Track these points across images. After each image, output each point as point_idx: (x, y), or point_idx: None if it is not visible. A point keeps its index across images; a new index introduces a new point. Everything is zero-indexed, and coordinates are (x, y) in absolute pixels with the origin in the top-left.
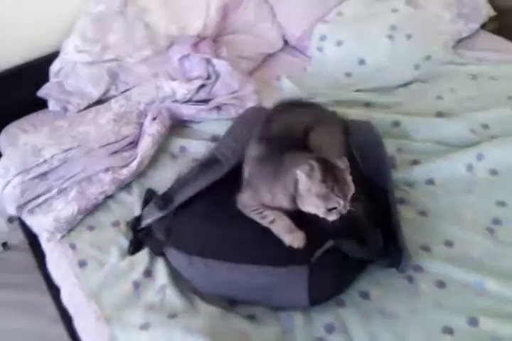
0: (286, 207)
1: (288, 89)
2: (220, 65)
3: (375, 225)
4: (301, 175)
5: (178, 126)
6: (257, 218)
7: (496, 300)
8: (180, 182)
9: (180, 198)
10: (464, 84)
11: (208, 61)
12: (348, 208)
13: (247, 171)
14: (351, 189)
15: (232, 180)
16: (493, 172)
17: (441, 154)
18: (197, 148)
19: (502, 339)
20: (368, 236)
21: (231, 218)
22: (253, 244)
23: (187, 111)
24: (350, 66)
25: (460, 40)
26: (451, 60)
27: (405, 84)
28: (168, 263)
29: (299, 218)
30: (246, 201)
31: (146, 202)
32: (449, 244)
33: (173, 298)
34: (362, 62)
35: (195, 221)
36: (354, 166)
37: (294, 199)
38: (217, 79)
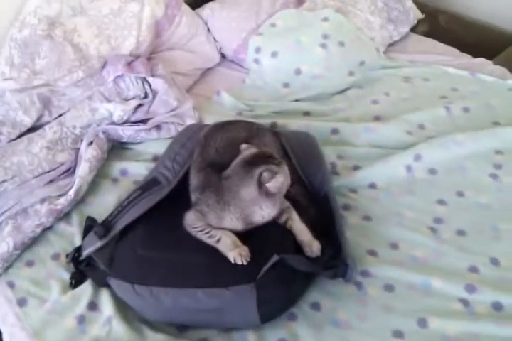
0: (235, 229)
1: (228, 103)
2: (156, 83)
3: (319, 235)
4: (275, 182)
5: (117, 148)
6: (203, 238)
7: (443, 299)
8: (120, 208)
9: (121, 225)
10: (397, 87)
11: (144, 80)
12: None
13: (193, 196)
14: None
15: (174, 202)
16: (432, 172)
17: (380, 158)
18: (139, 169)
19: (451, 338)
20: None
21: (173, 242)
22: (197, 266)
23: (125, 132)
24: (287, 76)
25: (391, 44)
26: (383, 65)
27: (342, 91)
28: (113, 294)
29: (244, 235)
30: (192, 221)
31: (86, 232)
32: (394, 246)
33: (119, 329)
34: (298, 71)
35: (135, 248)
36: (295, 176)
37: (245, 219)
38: (155, 98)
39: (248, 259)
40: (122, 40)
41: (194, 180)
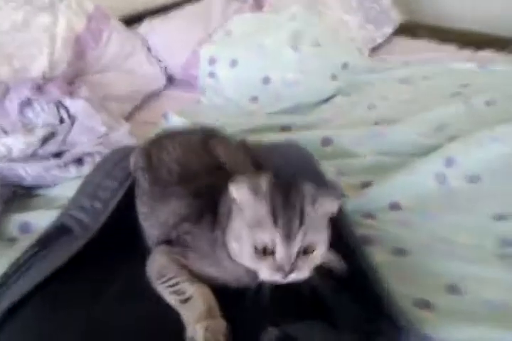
0: (238, 282)
1: (179, 125)
2: (76, 106)
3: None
4: None
5: (20, 196)
6: (165, 293)
7: None
8: (8, 273)
9: (8, 300)
10: (395, 89)
11: (59, 104)
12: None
13: (174, 232)
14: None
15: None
16: (473, 179)
17: (396, 168)
18: (46, 222)
19: None
20: (336, 308)
21: (84, 307)
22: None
23: (29, 171)
24: (253, 88)
25: (376, 48)
26: (372, 68)
27: (326, 100)
28: None
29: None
30: (161, 267)
31: None
32: (453, 289)
33: None
34: (266, 80)
35: (27, 323)
36: None
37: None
38: (74, 124)
39: (220, 338)
40: (30, 60)
41: (167, 213)
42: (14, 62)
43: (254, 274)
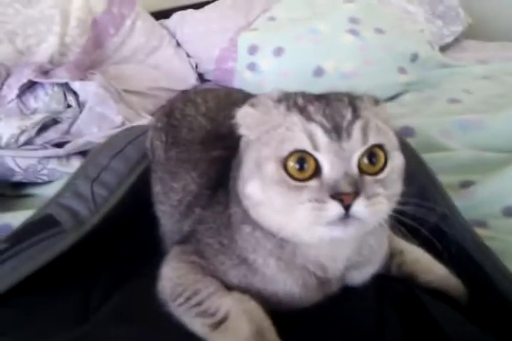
0: (302, 299)
1: None
2: (87, 90)
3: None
4: None
5: (6, 196)
6: (188, 318)
7: None
8: None
9: None
10: (478, 85)
11: (67, 88)
12: None
13: (186, 223)
14: None
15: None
16: None
17: (502, 165)
18: None
19: None
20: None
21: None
22: None
23: (20, 162)
24: (302, 81)
25: (446, 48)
26: (446, 63)
27: (393, 97)
28: None
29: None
30: (176, 279)
31: None
32: None
33: None
34: (319, 71)
35: None
36: None
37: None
38: (82, 111)
39: None
40: (37, 41)
41: (178, 191)
42: (17, 40)
43: (308, 278)
